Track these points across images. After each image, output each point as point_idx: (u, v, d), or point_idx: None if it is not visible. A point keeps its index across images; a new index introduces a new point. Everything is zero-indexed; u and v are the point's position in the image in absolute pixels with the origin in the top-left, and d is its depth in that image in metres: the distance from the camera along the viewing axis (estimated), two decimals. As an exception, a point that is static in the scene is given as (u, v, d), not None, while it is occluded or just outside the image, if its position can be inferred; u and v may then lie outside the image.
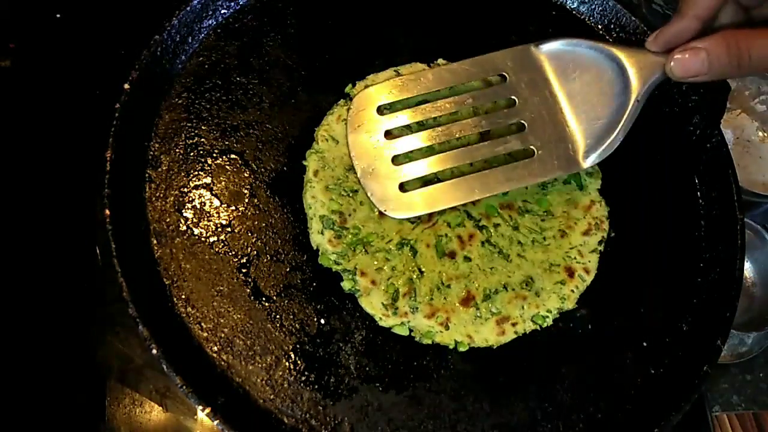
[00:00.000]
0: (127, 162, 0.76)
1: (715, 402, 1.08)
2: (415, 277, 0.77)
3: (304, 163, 0.81)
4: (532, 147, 0.75)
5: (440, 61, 0.88)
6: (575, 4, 0.96)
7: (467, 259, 0.78)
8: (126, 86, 0.77)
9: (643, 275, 0.82)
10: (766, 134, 1.22)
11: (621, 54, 0.71)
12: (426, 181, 0.76)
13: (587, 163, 0.75)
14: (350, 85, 0.86)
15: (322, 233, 0.77)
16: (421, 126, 0.78)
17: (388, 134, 0.76)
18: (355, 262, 0.77)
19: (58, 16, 1.09)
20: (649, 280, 0.82)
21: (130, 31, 0.87)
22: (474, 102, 0.77)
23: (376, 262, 0.77)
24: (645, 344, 0.78)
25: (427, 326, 0.75)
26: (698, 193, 0.87)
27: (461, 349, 0.75)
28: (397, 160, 0.76)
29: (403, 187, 0.75)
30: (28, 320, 0.92)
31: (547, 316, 0.77)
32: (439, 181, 0.76)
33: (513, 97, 0.76)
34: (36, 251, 0.95)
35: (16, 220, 0.96)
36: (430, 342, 0.75)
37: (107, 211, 0.71)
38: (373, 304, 0.75)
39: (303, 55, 0.88)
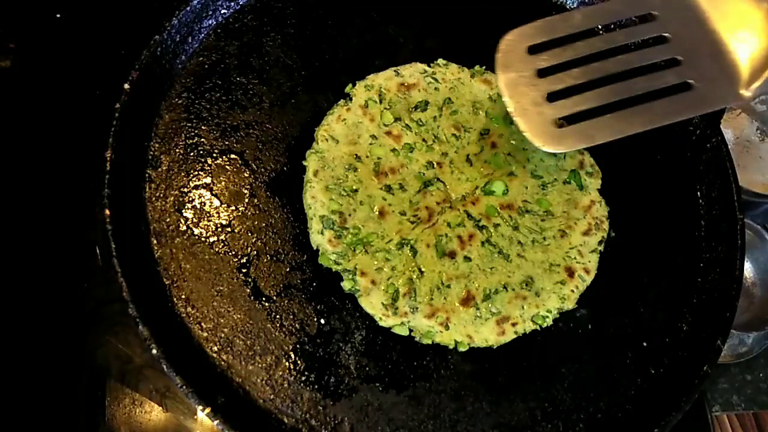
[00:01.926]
0: (127, 162, 0.76)
1: (715, 402, 1.08)
2: (415, 277, 0.77)
3: (304, 163, 0.81)
4: (689, 80, 0.74)
5: (440, 61, 0.88)
6: (575, 5, 0.96)
7: (467, 259, 0.78)
8: (126, 86, 0.77)
9: (643, 275, 0.82)
10: (766, 134, 1.22)
11: None
12: (582, 117, 0.75)
13: (750, 93, 0.73)
14: (350, 85, 0.86)
15: (322, 233, 0.77)
16: (572, 63, 0.76)
17: (540, 72, 0.75)
18: (355, 262, 0.77)
19: (58, 16, 1.09)
20: (649, 280, 0.82)
21: (130, 31, 0.87)
22: (625, 39, 0.75)
23: (376, 262, 0.77)
24: (645, 344, 0.78)
25: (427, 326, 0.75)
26: (698, 193, 0.87)
27: (461, 349, 0.75)
28: (550, 97, 0.74)
29: (558, 123, 0.73)
30: (29, 320, 0.92)
31: (547, 316, 0.77)
32: (596, 116, 0.74)
33: (665, 33, 0.75)
34: (36, 251, 0.95)
35: (16, 220, 0.96)
36: (430, 342, 0.75)
37: (107, 211, 0.71)
38: (373, 304, 0.75)
39: (303, 55, 0.88)
